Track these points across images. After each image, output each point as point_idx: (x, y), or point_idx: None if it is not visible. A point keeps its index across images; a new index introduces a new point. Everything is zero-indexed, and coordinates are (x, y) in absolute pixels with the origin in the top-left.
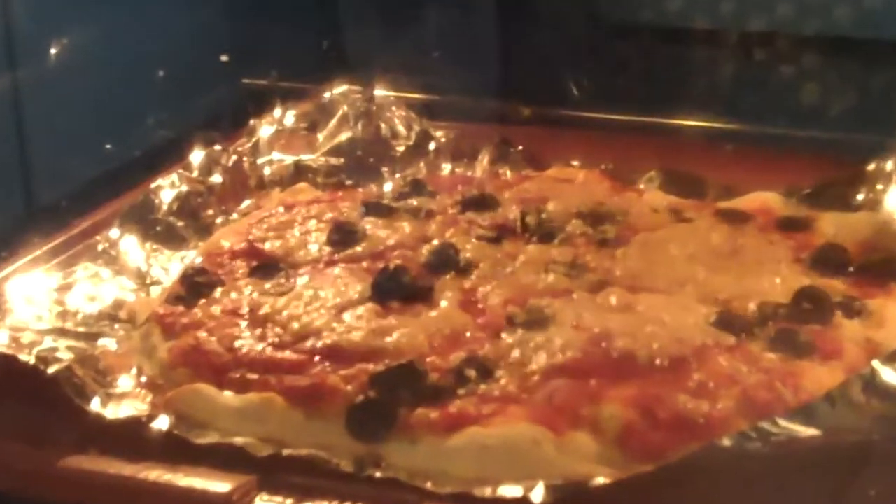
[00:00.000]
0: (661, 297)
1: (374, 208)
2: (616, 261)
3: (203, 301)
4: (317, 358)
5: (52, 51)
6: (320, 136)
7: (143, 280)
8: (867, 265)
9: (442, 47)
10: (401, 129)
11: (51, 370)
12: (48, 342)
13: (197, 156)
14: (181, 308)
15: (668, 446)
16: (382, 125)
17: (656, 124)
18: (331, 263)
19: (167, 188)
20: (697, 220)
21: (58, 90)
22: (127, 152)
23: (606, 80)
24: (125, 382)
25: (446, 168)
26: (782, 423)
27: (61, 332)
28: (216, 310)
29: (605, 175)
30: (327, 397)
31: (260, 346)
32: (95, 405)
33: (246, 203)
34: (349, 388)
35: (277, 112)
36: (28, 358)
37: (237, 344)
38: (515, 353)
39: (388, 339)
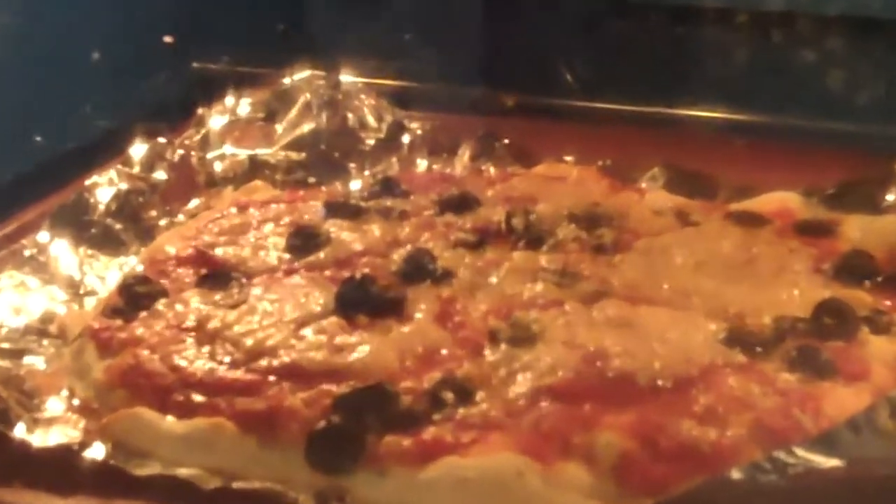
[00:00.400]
0: (664, 311)
1: (340, 209)
2: (613, 269)
3: (144, 314)
4: (273, 378)
5: None
6: (279, 128)
7: (75, 290)
8: None
9: (417, 27)
10: (370, 120)
11: None
12: None
13: (138, 149)
14: (119, 322)
15: (671, 479)
16: (349, 115)
17: (660, 115)
18: (290, 272)
19: (104, 186)
20: (706, 224)
21: None
22: (58, 145)
23: (604, 65)
24: (55, 406)
25: (422, 164)
26: (800, 452)
27: None
28: (159, 324)
29: (602, 172)
30: (284, 423)
31: (208, 366)
32: (20, 431)
33: (194, 203)
34: (310, 412)
35: (230, 100)
36: None
37: (182, 363)
38: (499, 374)
39: (355, 358)
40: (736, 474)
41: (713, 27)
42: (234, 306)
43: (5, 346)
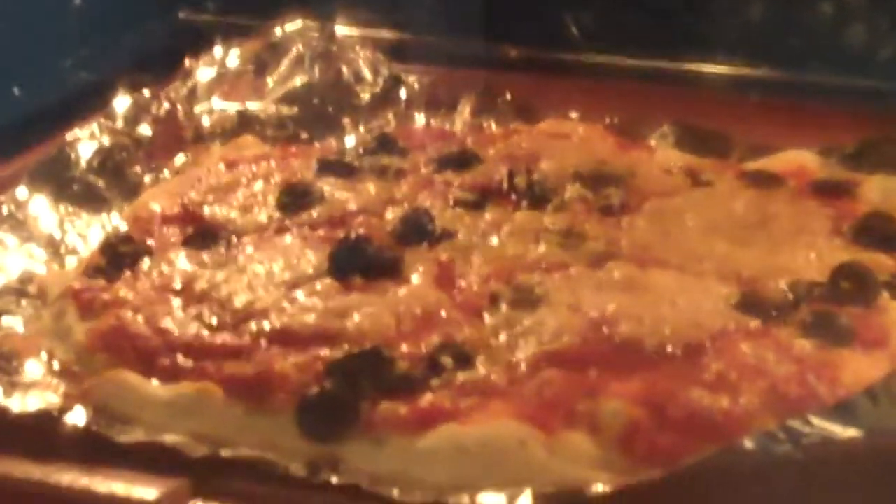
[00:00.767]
0: (673, 275)
1: (333, 167)
2: (621, 231)
3: (128, 274)
4: (263, 342)
5: None
6: (270, 81)
7: (55, 249)
8: None
9: None
10: (366, 73)
11: None
12: None
13: (122, 102)
14: (101, 282)
15: (680, 449)
16: (344, 68)
17: (671, 70)
18: (281, 231)
19: (86, 141)
20: (718, 184)
21: None
22: (38, 98)
23: (611, 17)
24: (34, 369)
25: (420, 120)
26: (816, 422)
27: None
28: (143, 285)
29: (609, 130)
30: (275, 388)
31: (195, 328)
32: None
33: (180, 159)
34: (301, 377)
35: (219, 52)
36: None
37: (168, 325)
38: (499, 338)
39: (349, 321)
40: (748, 444)
41: None
42: (222, 266)
43: None
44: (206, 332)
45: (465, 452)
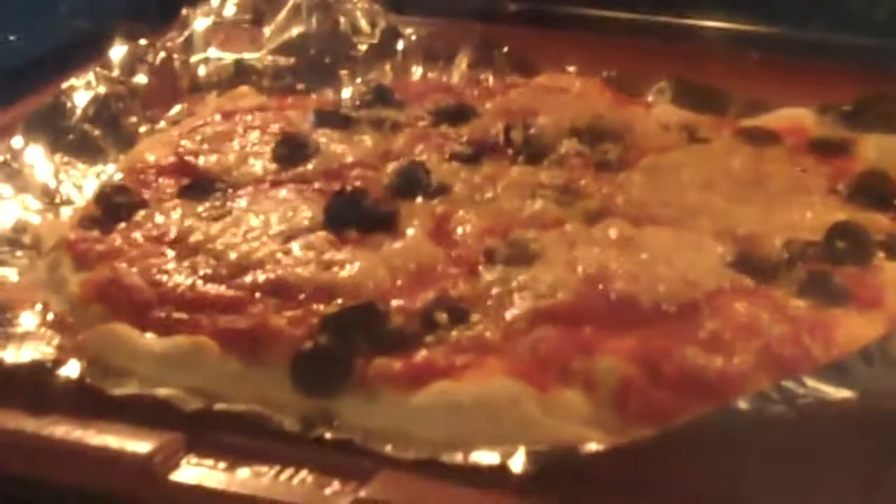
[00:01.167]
0: (669, 232)
1: (330, 118)
2: (617, 187)
3: (123, 225)
4: (258, 295)
5: None
6: (266, 31)
7: (51, 199)
8: None
9: None
10: (363, 24)
11: None
12: None
13: (118, 51)
14: (96, 233)
15: (674, 407)
16: (341, 19)
17: (669, 25)
18: (276, 183)
19: (81, 90)
20: (715, 141)
21: None
22: (33, 46)
23: None
24: (28, 320)
25: (417, 72)
26: (810, 382)
27: None
28: (138, 236)
29: (607, 85)
30: (269, 342)
31: (190, 280)
32: None
33: (176, 109)
34: (296, 331)
35: (215, 1)
36: None
37: (162, 277)
38: (494, 294)
39: (344, 275)
40: (742, 404)
41: None
42: (217, 218)
43: None
44: (200, 285)
45: (459, 409)
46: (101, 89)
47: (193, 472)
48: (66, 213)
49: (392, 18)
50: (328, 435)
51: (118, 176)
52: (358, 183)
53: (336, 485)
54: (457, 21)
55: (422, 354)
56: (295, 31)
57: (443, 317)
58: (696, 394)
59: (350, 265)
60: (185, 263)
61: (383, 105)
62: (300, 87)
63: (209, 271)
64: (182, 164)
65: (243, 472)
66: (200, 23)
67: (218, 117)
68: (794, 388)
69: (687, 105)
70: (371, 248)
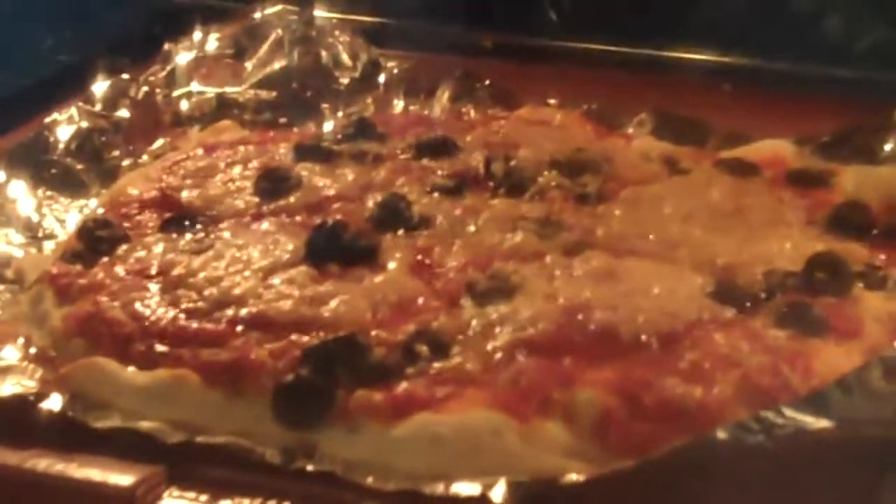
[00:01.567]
0: (649, 263)
1: (312, 152)
2: (597, 219)
3: (105, 259)
4: (239, 328)
5: None
6: (248, 65)
7: (33, 233)
8: (893, 228)
9: None
10: (345, 58)
11: None
12: None
13: (100, 86)
14: (78, 267)
15: (654, 438)
16: (323, 53)
17: (649, 57)
18: (258, 217)
19: (64, 124)
20: (695, 172)
21: None
22: (16, 80)
23: (590, 4)
24: (10, 354)
25: (398, 105)
26: (789, 412)
27: None
28: (120, 270)
29: (587, 117)
30: (251, 375)
31: (172, 314)
32: None
33: (158, 143)
34: (277, 364)
35: (197, 35)
36: None
37: (145, 311)
38: (475, 327)
39: (325, 308)
40: (721, 434)
41: None
42: (199, 252)
43: None
44: (182, 318)
45: (440, 441)
46: (84, 123)
47: None
48: (48, 246)
49: (374, 52)
50: (310, 467)
51: (100, 210)
52: (339, 216)
53: None
54: (438, 55)
55: (403, 386)
56: (277, 64)
57: (424, 349)
58: (675, 424)
59: (331, 299)
60: (167, 297)
61: (365, 138)
62: (282, 120)
63: (191, 305)
64: (164, 197)
65: None
66: (183, 57)
67: (200, 151)
68: (772, 418)
69: (667, 137)
70: (352, 281)
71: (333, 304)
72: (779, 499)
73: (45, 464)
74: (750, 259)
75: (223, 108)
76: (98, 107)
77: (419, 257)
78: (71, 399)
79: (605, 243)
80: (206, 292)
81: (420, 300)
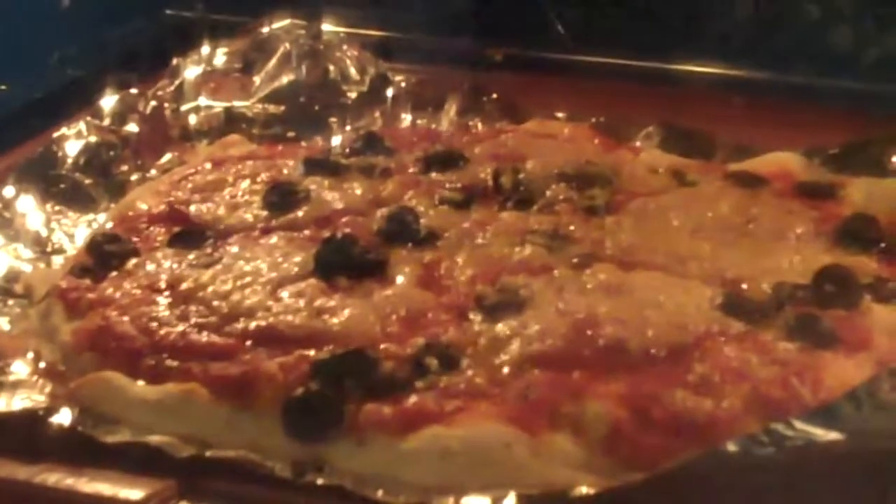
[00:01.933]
0: (658, 276)
1: (320, 166)
2: (606, 232)
3: (114, 274)
4: (249, 342)
5: None
6: (257, 80)
7: (42, 248)
8: None
9: None
10: (353, 72)
11: None
12: None
13: (109, 101)
14: (88, 282)
15: (663, 451)
16: (331, 67)
17: (657, 70)
18: (267, 231)
19: (73, 139)
20: (703, 185)
21: None
22: (24, 95)
23: (598, 17)
24: (20, 369)
25: (406, 119)
26: (799, 425)
27: None
28: (129, 284)
29: (595, 130)
30: (260, 389)
31: (181, 328)
32: None
33: (167, 158)
34: (287, 378)
35: (206, 50)
36: None
37: (154, 325)
38: (484, 340)
39: (334, 322)
40: (731, 447)
41: None
42: (208, 266)
43: None
44: (191, 333)
45: (450, 454)
46: (93, 138)
47: None
48: (57, 261)
49: (382, 66)
50: (319, 481)
51: (109, 224)
52: (348, 230)
53: None
54: (446, 68)
55: (412, 400)
56: (285, 79)
57: (433, 362)
58: (685, 437)
59: (340, 312)
60: (177, 311)
61: (373, 152)
62: (290, 134)
63: (200, 319)
64: (173, 212)
65: None
66: (191, 72)
67: (208, 165)
68: (782, 430)
69: (675, 150)
70: (361, 295)
71: (342, 317)
72: None
73: (55, 478)
74: (759, 271)
75: (231, 122)
76: (106, 121)
77: (428, 271)
78: (81, 413)
79: (614, 256)
80: (215, 306)
81: (429, 314)
